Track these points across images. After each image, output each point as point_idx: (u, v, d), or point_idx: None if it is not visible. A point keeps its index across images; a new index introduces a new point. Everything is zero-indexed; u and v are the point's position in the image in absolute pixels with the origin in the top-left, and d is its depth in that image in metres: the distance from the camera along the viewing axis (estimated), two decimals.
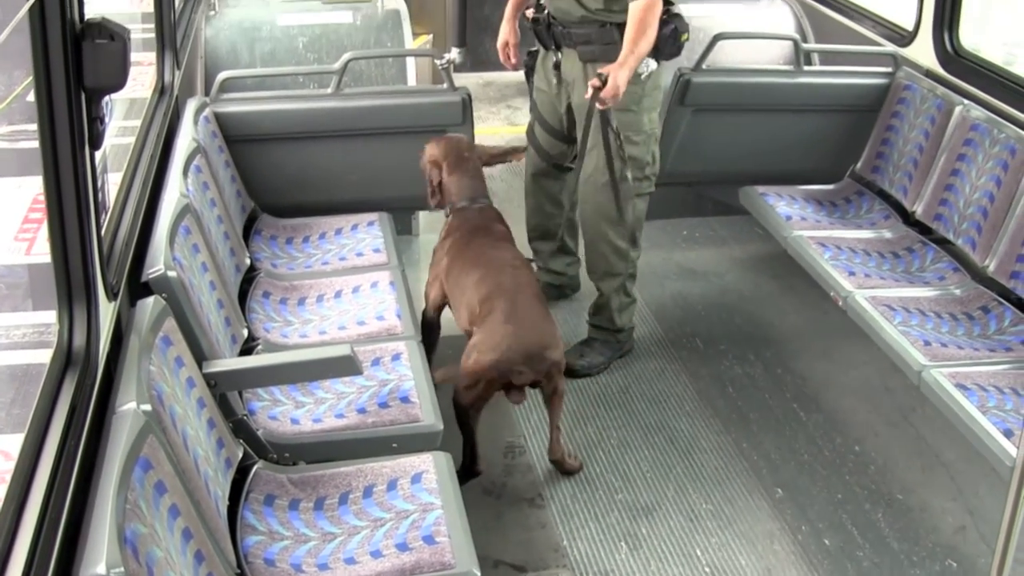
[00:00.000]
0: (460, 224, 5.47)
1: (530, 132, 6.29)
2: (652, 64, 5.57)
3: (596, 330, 6.13)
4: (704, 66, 6.52)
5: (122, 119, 6.31)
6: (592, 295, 6.15)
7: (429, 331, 5.41)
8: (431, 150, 5.61)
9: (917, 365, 4.97)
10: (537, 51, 6.07)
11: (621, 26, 5.44)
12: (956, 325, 5.36)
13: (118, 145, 5.47)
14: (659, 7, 5.39)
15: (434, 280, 5.44)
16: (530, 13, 5.92)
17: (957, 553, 4.85)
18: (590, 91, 5.41)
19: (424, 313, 5.46)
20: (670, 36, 5.53)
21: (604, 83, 5.34)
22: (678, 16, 5.56)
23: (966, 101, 6.01)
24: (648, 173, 5.84)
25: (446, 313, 5.39)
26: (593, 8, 5.53)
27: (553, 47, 5.85)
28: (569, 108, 5.91)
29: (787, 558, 4.79)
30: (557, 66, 5.84)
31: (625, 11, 5.40)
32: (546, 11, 5.80)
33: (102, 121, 3.27)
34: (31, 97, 3.11)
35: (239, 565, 3.52)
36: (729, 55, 7.10)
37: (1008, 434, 4.46)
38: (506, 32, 6.16)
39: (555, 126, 6.09)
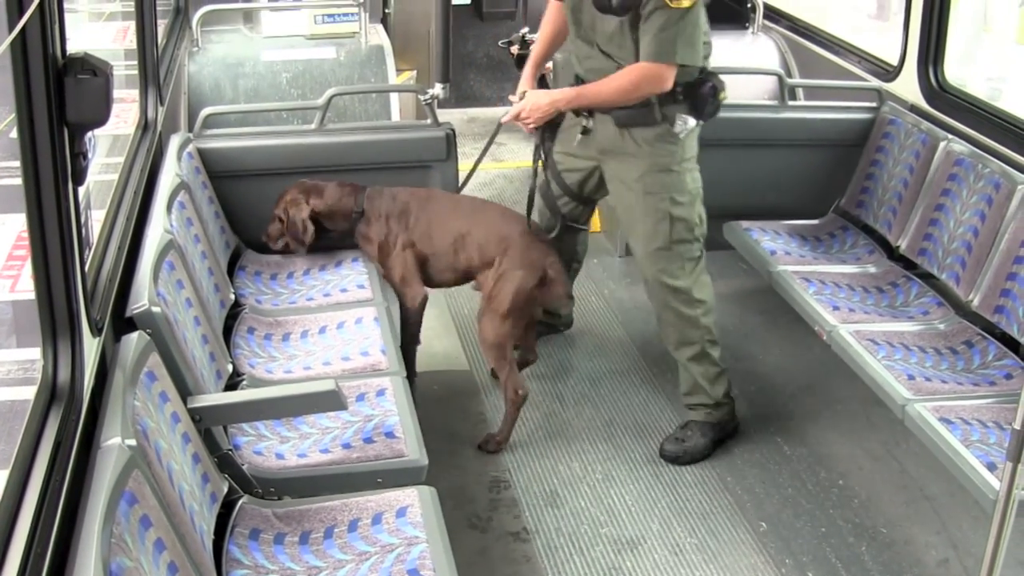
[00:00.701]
0: (389, 197, 5.79)
1: (545, 192, 6.02)
2: (691, 122, 5.36)
3: (693, 410, 5.77)
4: None
5: (105, 156, 6.32)
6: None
7: (416, 326, 5.77)
8: (282, 203, 5.79)
9: (901, 399, 4.98)
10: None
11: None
12: (940, 359, 5.37)
13: (101, 182, 5.47)
14: (659, 85, 5.20)
15: (400, 253, 5.68)
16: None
17: None
18: (509, 115, 5.65)
19: (406, 308, 5.69)
20: (709, 94, 5.35)
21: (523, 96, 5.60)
22: (715, 74, 5.38)
23: (950, 136, 6.03)
24: (697, 234, 5.54)
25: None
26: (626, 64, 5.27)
27: (584, 112, 5.56)
28: (596, 175, 5.79)
29: None
30: (586, 131, 5.58)
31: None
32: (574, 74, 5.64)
33: (85, 156, 3.27)
34: (14, 134, 3.11)
35: None
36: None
37: (992, 468, 4.47)
38: (526, 82, 5.90)
39: (574, 188, 5.91)
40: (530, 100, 5.52)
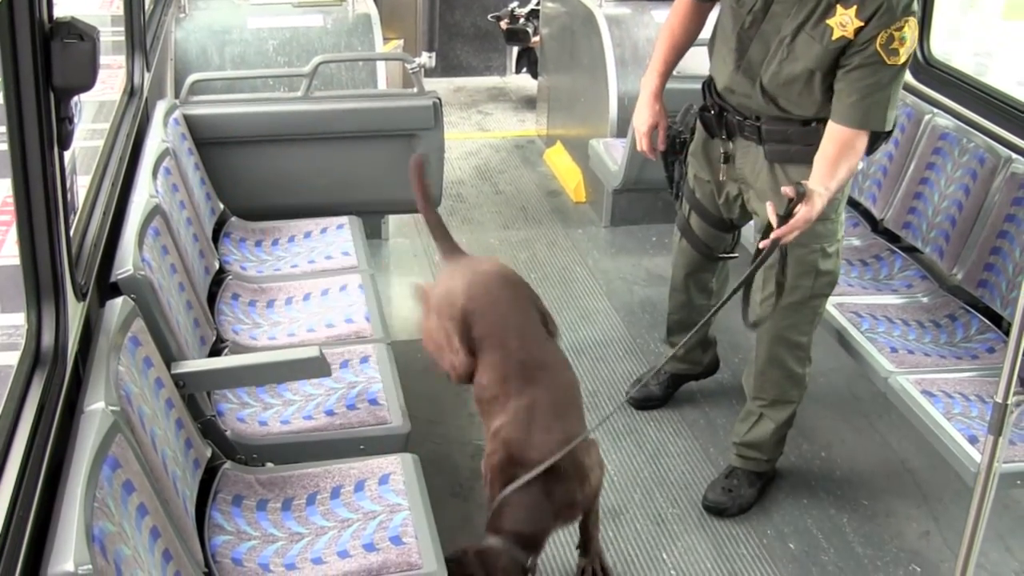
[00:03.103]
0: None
1: (685, 226, 5.30)
2: (862, 164, 4.88)
3: (745, 460, 5.21)
4: (674, 72, 6.52)
5: (91, 122, 6.30)
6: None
7: None
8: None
9: (884, 372, 5.00)
10: (686, 133, 5.15)
11: (825, 121, 4.47)
12: (923, 333, 5.39)
13: (87, 148, 5.46)
14: (861, 146, 4.43)
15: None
16: None
17: (921, 558, 4.88)
18: (773, 207, 4.36)
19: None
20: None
21: (801, 197, 4.27)
22: None
23: (936, 110, 6.03)
24: (831, 291, 4.99)
25: None
26: (798, 114, 4.59)
27: (724, 136, 4.84)
28: (738, 201, 4.99)
29: (752, 562, 4.81)
30: (727, 159, 4.87)
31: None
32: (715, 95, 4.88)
33: (71, 121, 3.26)
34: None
35: (207, 564, 3.52)
36: (699, 62, 7.12)
37: (973, 441, 4.49)
38: (653, 112, 5.06)
39: (716, 215, 5.15)
40: (818, 206, 4.32)
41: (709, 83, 4.94)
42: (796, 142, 4.58)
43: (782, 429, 5.16)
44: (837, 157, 4.37)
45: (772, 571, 4.77)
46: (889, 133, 4.53)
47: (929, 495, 5.24)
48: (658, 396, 5.84)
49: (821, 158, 4.39)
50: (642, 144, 5.07)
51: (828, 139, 4.41)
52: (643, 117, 5.04)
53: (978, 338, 5.32)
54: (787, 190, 4.29)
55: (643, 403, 5.82)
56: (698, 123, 5.03)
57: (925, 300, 5.63)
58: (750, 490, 5.18)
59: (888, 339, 5.25)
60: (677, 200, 5.34)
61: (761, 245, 4.40)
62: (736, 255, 5.40)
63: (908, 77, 6.35)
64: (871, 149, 4.55)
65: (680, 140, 5.17)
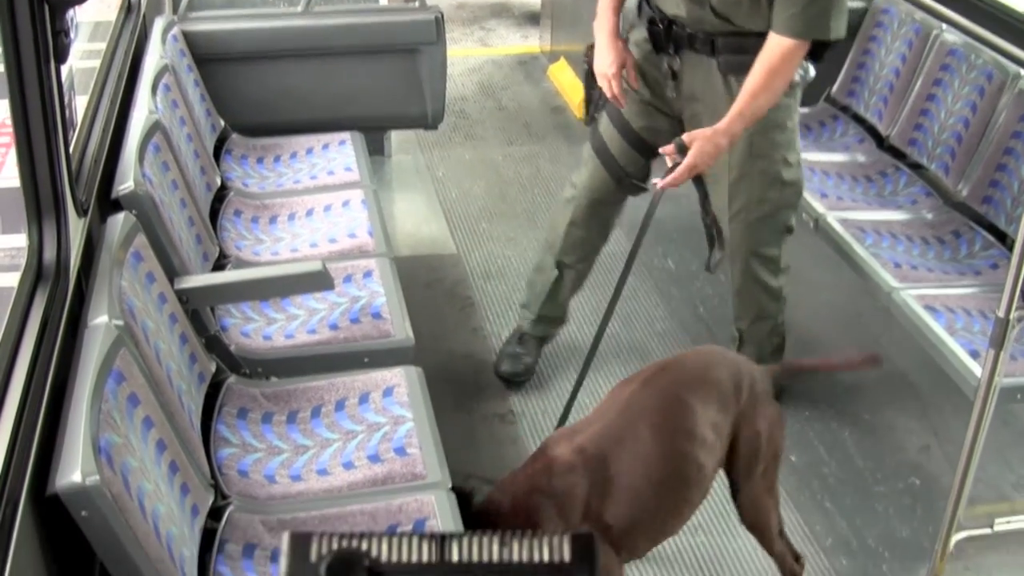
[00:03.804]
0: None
1: (600, 145, 5.02)
2: (812, 71, 4.62)
3: None
4: None
5: (87, 41, 6.28)
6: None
7: None
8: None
9: (887, 287, 5.00)
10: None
11: None
12: (927, 248, 5.39)
13: (85, 69, 5.44)
14: (801, 55, 4.37)
15: None
16: None
17: (921, 471, 4.91)
18: (669, 161, 4.47)
19: None
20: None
21: (682, 152, 4.39)
22: None
23: (944, 26, 5.99)
24: (799, 201, 4.97)
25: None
26: (752, 28, 4.43)
27: (671, 51, 4.67)
28: (678, 124, 4.81)
29: None
30: (675, 75, 4.74)
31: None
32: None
33: (67, 35, 3.26)
34: None
35: (213, 476, 3.55)
36: None
37: (975, 356, 4.50)
38: (617, 52, 4.75)
39: (644, 137, 4.92)
40: (704, 149, 4.37)
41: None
42: (751, 52, 4.38)
43: (770, 340, 5.18)
44: (776, 69, 4.32)
45: None
46: (836, 41, 4.42)
47: (930, 409, 5.26)
48: (531, 365, 5.49)
49: (759, 69, 4.33)
50: (613, 89, 4.70)
51: (769, 50, 4.32)
52: (607, 60, 4.72)
53: (982, 254, 5.32)
54: (667, 150, 4.43)
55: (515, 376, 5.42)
56: (639, 38, 4.82)
57: (929, 216, 5.62)
58: None
59: (892, 255, 5.25)
60: (592, 122, 5.07)
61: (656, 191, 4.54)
62: (646, 187, 5.07)
63: None
64: (818, 56, 4.49)
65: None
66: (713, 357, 3.82)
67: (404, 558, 1.09)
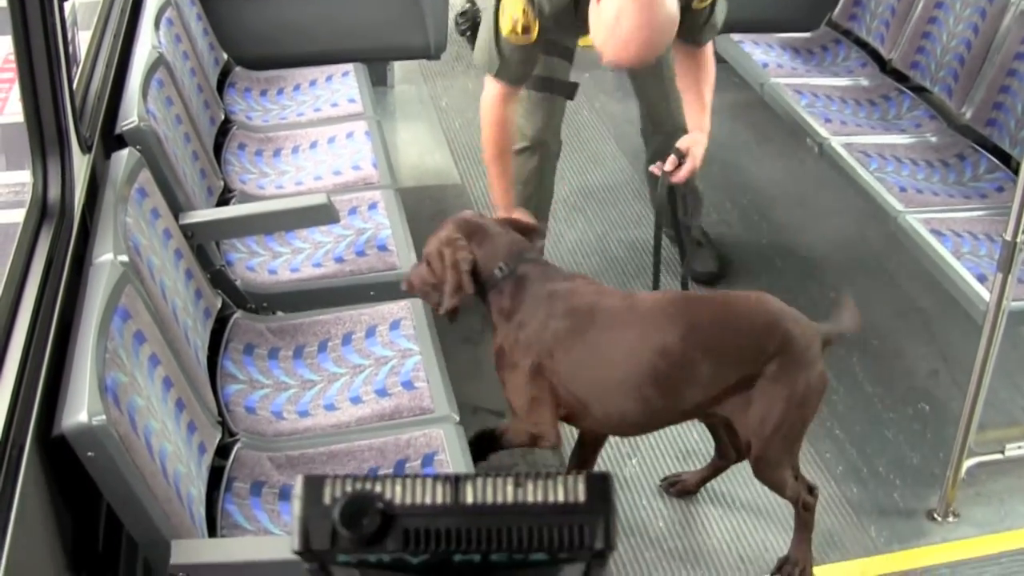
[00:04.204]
0: (544, 294, 3.69)
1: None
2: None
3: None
4: None
5: None
6: None
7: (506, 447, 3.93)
8: (435, 242, 3.75)
9: (893, 211, 4.98)
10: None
11: None
12: (932, 172, 5.37)
13: (88, 3, 5.41)
14: None
15: (529, 380, 3.66)
16: None
17: (930, 396, 4.91)
18: (663, 169, 4.57)
19: (506, 437, 3.84)
20: None
21: (681, 161, 4.53)
22: None
23: None
24: None
25: None
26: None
27: None
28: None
29: None
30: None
31: None
32: None
33: None
34: None
35: (220, 413, 3.55)
36: None
37: (982, 279, 4.49)
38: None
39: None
40: (698, 155, 4.56)
41: None
42: None
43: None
44: (713, 66, 4.67)
45: None
46: None
47: (938, 334, 5.26)
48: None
49: (707, 76, 4.65)
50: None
51: (707, 59, 4.64)
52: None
53: (987, 177, 5.30)
54: (661, 166, 4.57)
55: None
56: None
57: (934, 139, 5.59)
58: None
59: (897, 178, 5.23)
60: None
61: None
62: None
63: None
64: None
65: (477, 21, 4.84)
66: (750, 306, 3.79)
67: (418, 500, 1.09)
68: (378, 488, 1.09)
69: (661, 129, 5.29)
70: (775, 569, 4.09)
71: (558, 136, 5.13)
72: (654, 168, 4.65)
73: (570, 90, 4.95)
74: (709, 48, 4.64)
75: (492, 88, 4.48)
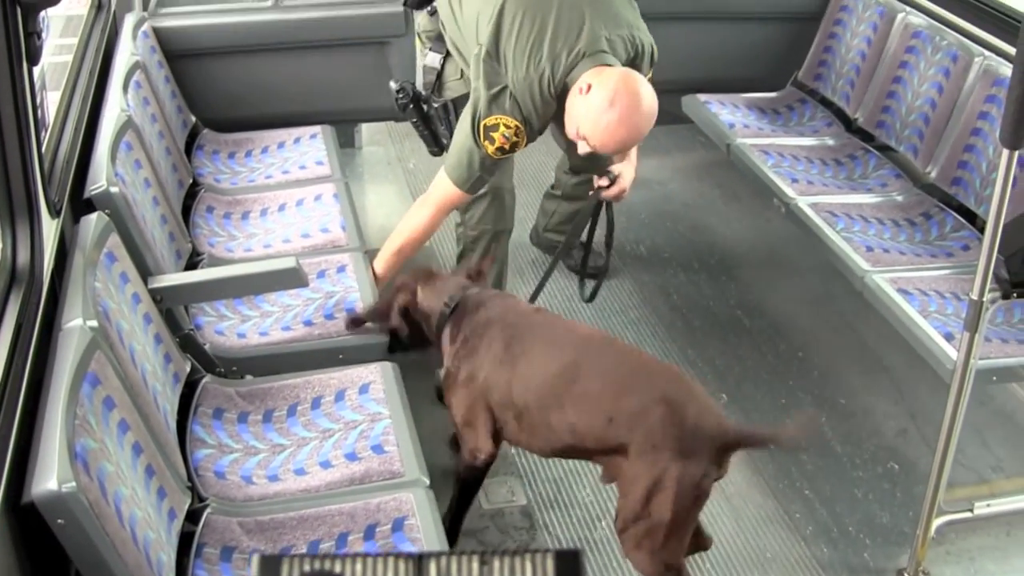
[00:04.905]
0: (469, 317, 4.10)
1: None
2: None
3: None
4: None
5: (59, 37, 6.25)
6: None
7: (471, 487, 4.23)
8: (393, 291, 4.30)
9: (860, 270, 5.01)
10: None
11: None
12: (898, 231, 5.40)
13: (56, 64, 5.42)
14: None
15: (463, 389, 4.03)
16: None
17: (899, 455, 4.92)
18: (598, 184, 4.92)
19: (462, 459, 4.13)
20: None
21: (612, 182, 4.87)
22: None
23: (908, 8, 6.01)
24: None
25: None
26: None
27: None
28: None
29: (732, 462, 4.82)
30: None
31: None
32: None
33: (39, 36, 3.24)
34: None
35: (190, 478, 3.53)
36: None
37: (949, 338, 4.51)
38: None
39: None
40: (628, 177, 4.93)
41: None
42: None
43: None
44: None
45: (752, 471, 4.80)
46: None
47: (906, 393, 5.28)
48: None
49: None
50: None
51: None
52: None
53: (953, 236, 5.34)
54: (600, 181, 4.89)
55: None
56: None
57: (900, 198, 5.63)
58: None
59: (864, 238, 5.26)
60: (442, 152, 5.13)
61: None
62: None
63: None
64: None
65: (425, 101, 5.08)
66: (659, 372, 3.95)
67: None
68: (337, 568, 1.07)
69: (576, 175, 5.75)
70: None
71: (511, 180, 5.25)
72: (596, 181, 4.93)
73: None
74: None
75: (451, 194, 4.72)
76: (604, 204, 5.08)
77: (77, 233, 3.60)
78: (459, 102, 4.85)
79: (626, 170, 4.90)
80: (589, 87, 4.27)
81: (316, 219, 5.07)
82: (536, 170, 6.84)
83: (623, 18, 4.52)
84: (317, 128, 5.85)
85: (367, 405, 3.91)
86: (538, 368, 3.89)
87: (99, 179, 3.96)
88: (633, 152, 4.94)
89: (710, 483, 3.70)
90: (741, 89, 6.70)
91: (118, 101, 4.54)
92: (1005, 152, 3.40)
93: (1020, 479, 4.88)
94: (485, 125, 4.43)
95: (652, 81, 4.49)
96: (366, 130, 7.37)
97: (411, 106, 5.05)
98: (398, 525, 3.44)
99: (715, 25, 6.75)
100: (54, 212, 3.51)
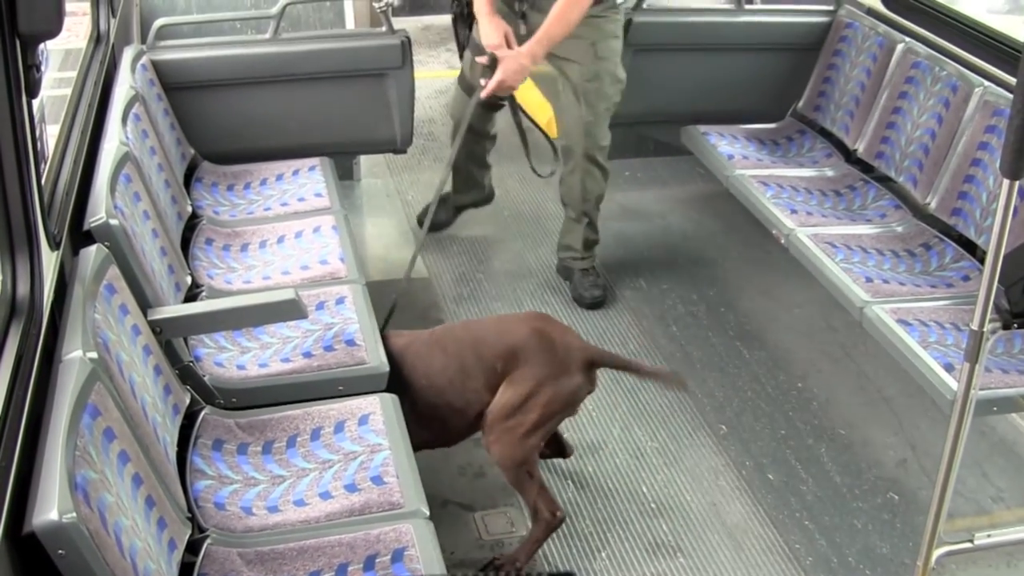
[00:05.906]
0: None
1: (461, 76, 6.25)
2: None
3: (583, 260, 6.24)
4: (645, 5, 6.52)
5: (58, 70, 6.25)
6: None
7: None
8: None
9: (859, 301, 5.01)
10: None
11: None
12: (898, 262, 5.40)
13: (55, 97, 5.42)
14: (586, 5, 5.48)
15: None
16: None
17: (898, 486, 4.92)
18: (488, 90, 5.56)
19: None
20: None
21: (493, 66, 5.53)
22: None
23: (908, 39, 6.03)
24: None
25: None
26: None
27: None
28: None
29: (732, 493, 4.84)
30: (523, 15, 5.80)
31: None
32: None
33: (38, 69, 3.23)
34: None
35: (189, 509, 3.52)
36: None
37: (949, 368, 4.51)
38: (498, 25, 5.67)
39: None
40: (510, 67, 5.51)
41: None
42: None
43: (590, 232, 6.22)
44: (556, 21, 5.48)
45: (752, 502, 4.80)
46: None
47: (906, 423, 5.27)
48: (444, 221, 6.72)
49: (559, 4, 5.47)
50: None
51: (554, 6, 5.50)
52: (491, 33, 5.61)
53: (953, 266, 5.34)
54: (482, 60, 5.56)
55: (434, 227, 6.38)
56: None
57: (899, 229, 5.64)
58: (586, 279, 6.20)
59: (863, 269, 5.26)
60: (462, 58, 6.28)
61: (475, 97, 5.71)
62: (503, 103, 6.06)
63: (879, 5, 6.37)
64: None
65: (469, 7, 6.04)
66: (521, 318, 4.84)
67: None
68: None
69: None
70: (490, 563, 4.44)
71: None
72: (480, 59, 5.63)
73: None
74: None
75: None
76: (514, 110, 5.94)
77: (77, 265, 3.60)
78: None
79: (510, 58, 5.51)
80: None
81: (315, 251, 5.07)
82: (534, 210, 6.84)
83: None
84: (316, 160, 5.86)
85: (366, 436, 3.91)
86: (444, 366, 4.44)
87: (98, 211, 3.96)
88: (537, 44, 5.53)
89: (583, 395, 4.41)
90: (740, 120, 6.72)
91: (117, 134, 4.54)
92: (1005, 182, 3.39)
93: (1020, 510, 4.88)
94: None
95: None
96: (365, 162, 7.39)
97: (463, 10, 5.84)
98: (398, 556, 3.44)
99: (714, 56, 6.76)
100: (54, 244, 3.51)
